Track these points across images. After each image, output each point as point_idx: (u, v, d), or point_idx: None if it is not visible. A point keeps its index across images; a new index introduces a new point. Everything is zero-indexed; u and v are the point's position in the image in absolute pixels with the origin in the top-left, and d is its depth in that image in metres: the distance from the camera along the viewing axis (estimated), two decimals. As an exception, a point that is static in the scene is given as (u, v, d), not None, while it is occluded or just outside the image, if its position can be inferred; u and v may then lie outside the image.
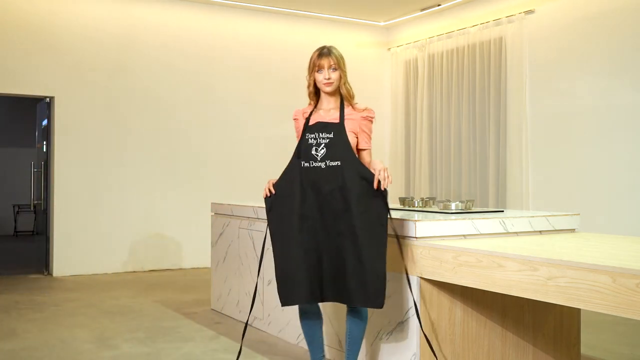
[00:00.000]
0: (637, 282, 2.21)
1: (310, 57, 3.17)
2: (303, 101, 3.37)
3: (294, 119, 3.27)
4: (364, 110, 3.18)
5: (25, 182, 8.33)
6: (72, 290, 6.29)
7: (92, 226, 7.28)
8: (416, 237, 3.23)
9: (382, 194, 3.00)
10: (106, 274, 7.28)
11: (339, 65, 3.13)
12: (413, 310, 3.22)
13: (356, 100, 3.23)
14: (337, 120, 3.11)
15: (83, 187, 7.25)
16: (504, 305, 3.40)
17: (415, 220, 3.25)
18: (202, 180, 7.87)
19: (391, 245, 3.44)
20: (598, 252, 2.83)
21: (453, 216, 3.44)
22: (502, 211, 4.04)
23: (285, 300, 3.04)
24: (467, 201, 3.81)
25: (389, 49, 9.07)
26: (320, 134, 3.08)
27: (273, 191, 3.15)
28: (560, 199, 6.64)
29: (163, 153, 7.68)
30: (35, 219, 11.01)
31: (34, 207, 8.27)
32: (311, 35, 8.44)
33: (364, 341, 3.61)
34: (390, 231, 3.16)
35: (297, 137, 3.20)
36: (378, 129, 9.04)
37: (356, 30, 8.93)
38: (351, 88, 3.19)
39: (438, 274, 3.09)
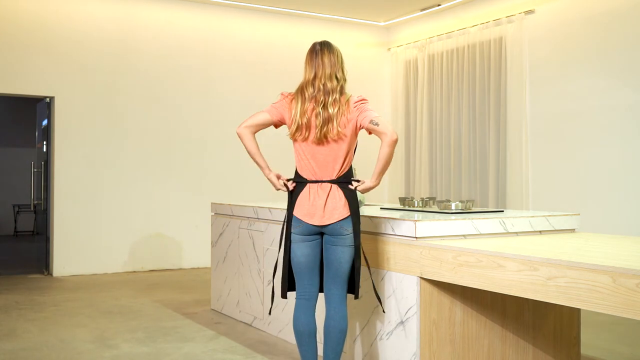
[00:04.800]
0: (637, 282, 2.21)
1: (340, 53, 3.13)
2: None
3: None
4: None
5: (25, 182, 8.33)
6: (72, 290, 6.29)
7: (92, 226, 7.28)
8: (416, 237, 3.23)
9: None
10: (106, 274, 7.28)
11: None
12: (413, 310, 3.22)
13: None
14: None
15: (83, 187, 7.25)
16: (504, 305, 3.40)
17: (415, 220, 3.25)
18: (202, 180, 7.87)
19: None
20: (598, 252, 2.83)
21: (453, 216, 3.44)
22: (502, 211, 4.04)
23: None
24: (467, 201, 3.81)
25: (389, 49, 9.07)
26: None
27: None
28: (560, 199, 6.64)
29: (163, 153, 7.68)
30: (35, 219, 11.01)
31: (34, 207, 8.27)
32: (311, 35, 8.43)
33: (364, 341, 3.61)
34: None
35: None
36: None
37: (356, 30, 8.93)
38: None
39: (438, 274, 3.09)
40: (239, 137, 3.11)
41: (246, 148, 3.12)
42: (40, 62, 7.09)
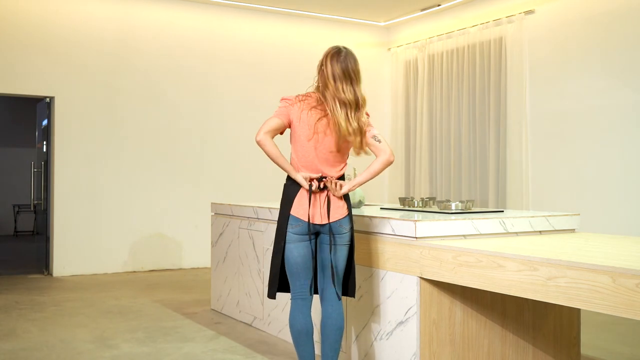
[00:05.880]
0: (637, 282, 2.21)
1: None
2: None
3: None
4: None
5: (25, 182, 8.33)
6: (72, 290, 6.29)
7: (92, 226, 7.28)
8: (416, 237, 3.23)
9: None
10: (106, 274, 7.28)
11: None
12: (413, 310, 3.22)
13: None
14: None
15: (83, 187, 7.25)
16: (504, 305, 3.40)
17: (415, 220, 3.25)
18: (202, 180, 7.87)
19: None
20: (598, 252, 2.83)
21: (453, 216, 3.44)
22: (502, 211, 4.04)
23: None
24: (467, 201, 3.81)
25: (389, 49, 9.07)
26: None
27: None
28: (560, 199, 6.64)
29: (163, 153, 7.68)
30: (35, 219, 11.01)
31: (34, 207, 8.27)
32: (311, 35, 8.44)
33: (364, 341, 3.61)
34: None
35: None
36: (378, 129, 9.03)
37: (356, 30, 8.93)
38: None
39: (438, 274, 3.09)
40: (260, 144, 3.09)
41: (269, 154, 3.10)
42: (40, 62, 7.09)
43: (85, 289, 6.35)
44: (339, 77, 3.05)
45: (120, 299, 5.83)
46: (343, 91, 3.04)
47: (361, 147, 3.09)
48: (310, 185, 3.07)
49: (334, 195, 3.09)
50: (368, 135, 3.08)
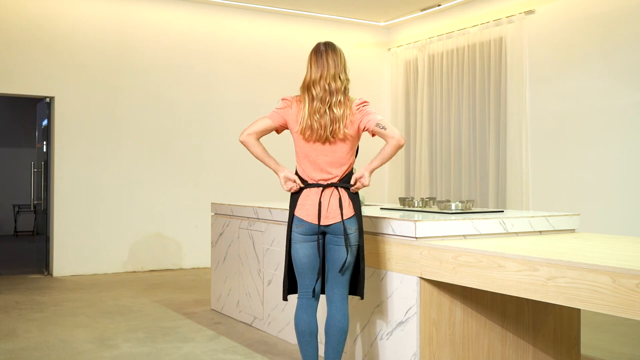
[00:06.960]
0: (637, 282, 2.21)
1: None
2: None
3: None
4: None
5: (25, 182, 8.34)
6: (72, 290, 6.29)
7: (92, 226, 7.28)
8: (416, 237, 3.23)
9: None
10: (106, 274, 7.28)
11: None
12: (413, 310, 3.22)
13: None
14: None
15: (83, 187, 7.25)
16: (504, 305, 3.41)
17: (415, 221, 3.25)
18: (202, 180, 7.87)
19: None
20: (598, 252, 2.83)
21: (453, 216, 3.44)
22: (502, 211, 4.04)
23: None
24: (467, 201, 3.81)
25: (389, 49, 9.07)
26: None
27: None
28: (560, 199, 6.64)
29: (163, 153, 7.68)
30: (35, 219, 11.01)
31: (34, 207, 8.27)
32: (311, 35, 8.44)
33: (364, 341, 3.61)
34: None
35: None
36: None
37: (356, 30, 8.93)
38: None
39: (438, 274, 3.09)
40: (244, 144, 3.11)
41: (253, 154, 3.14)
42: (40, 62, 7.09)
43: (85, 289, 6.35)
44: (318, 73, 3.03)
45: (120, 299, 5.83)
46: (318, 84, 3.01)
47: (344, 137, 3.03)
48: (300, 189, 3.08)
49: (357, 188, 3.08)
50: (371, 124, 3.03)
